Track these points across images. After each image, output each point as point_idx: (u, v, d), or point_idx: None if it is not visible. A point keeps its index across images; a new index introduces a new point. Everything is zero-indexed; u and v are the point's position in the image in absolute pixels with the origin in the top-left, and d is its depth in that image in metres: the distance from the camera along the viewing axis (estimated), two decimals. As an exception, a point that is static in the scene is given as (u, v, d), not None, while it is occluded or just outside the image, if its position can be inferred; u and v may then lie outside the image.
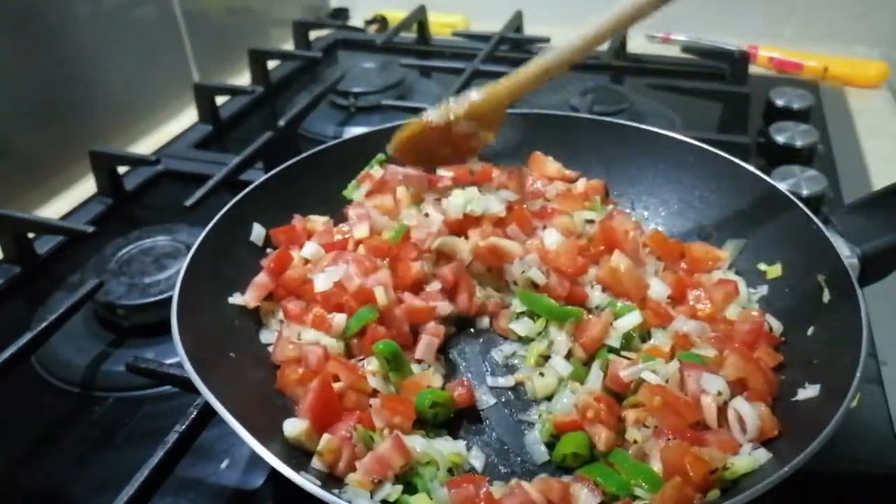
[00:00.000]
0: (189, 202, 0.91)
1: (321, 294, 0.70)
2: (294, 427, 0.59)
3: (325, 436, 0.59)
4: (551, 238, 0.77)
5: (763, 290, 0.75)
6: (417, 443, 0.58)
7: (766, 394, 0.62)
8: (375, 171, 0.91)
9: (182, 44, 1.35)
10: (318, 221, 0.84)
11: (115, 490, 0.57)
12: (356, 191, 0.89)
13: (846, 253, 0.68)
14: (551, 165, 0.93)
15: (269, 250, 0.80)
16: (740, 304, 0.73)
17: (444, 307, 0.72)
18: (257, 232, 0.80)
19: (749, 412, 0.58)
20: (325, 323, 0.69)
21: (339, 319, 0.69)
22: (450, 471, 0.59)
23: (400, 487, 0.56)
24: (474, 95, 0.79)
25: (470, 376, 0.70)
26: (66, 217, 1.04)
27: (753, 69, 1.40)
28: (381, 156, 0.93)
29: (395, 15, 1.66)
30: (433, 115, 0.80)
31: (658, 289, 0.74)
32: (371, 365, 0.65)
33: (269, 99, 1.39)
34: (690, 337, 0.67)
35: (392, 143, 0.83)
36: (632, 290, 0.73)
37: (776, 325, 0.70)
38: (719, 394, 0.59)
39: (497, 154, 0.95)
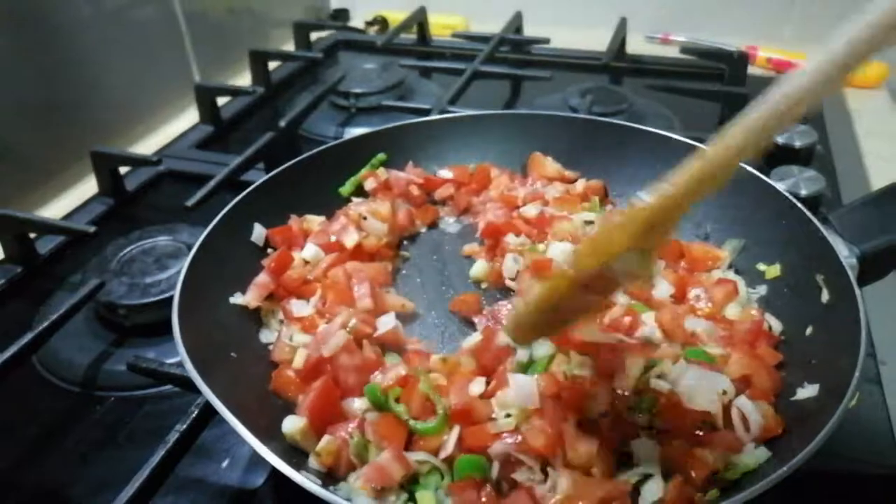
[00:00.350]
0: (190, 202, 0.91)
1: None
2: (292, 424, 0.59)
3: (326, 437, 0.59)
4: (556, 250, 0.76)
5: (762, 289, 0.75)
6: (417, 455, 0.58)
7: (769, 391, 0.62)
8: (381, 172, 0.92)
9: (183, 44, 1.36)
10: (315, 221, 0.84)
11: (116, 489, 0.57)
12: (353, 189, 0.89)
13: (845, 253, 0.68)
14: (550, 166, 0.93)
15: (269, 250, 0.80)
16: (740, 303, 0.73)
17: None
18: (258, 232, 0.80)
19: (752, 410, 0.58)
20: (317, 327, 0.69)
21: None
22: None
23: (405, 495, 0.56)
24: (644, 200, 0.48)
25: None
26: (67, 217, 1.04)
27: (752, 70, 1.40)
28: (381, 156, 0.93)
29: (396, 16, 1.66)
30: (579, 258, 0.50)
31: (661, 287, 0.74)
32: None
33: (270, 100, 1.39)
34: (699, 336, 0.67)
35: (514, 320, 0.59)
36: (634, 290, 0.73)
37: (775, 325, 0.70)
38: (724, 392, 0.59)
39: (497, 154, 0.96)
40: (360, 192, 0.91)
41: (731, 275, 0.77)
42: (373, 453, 0.58)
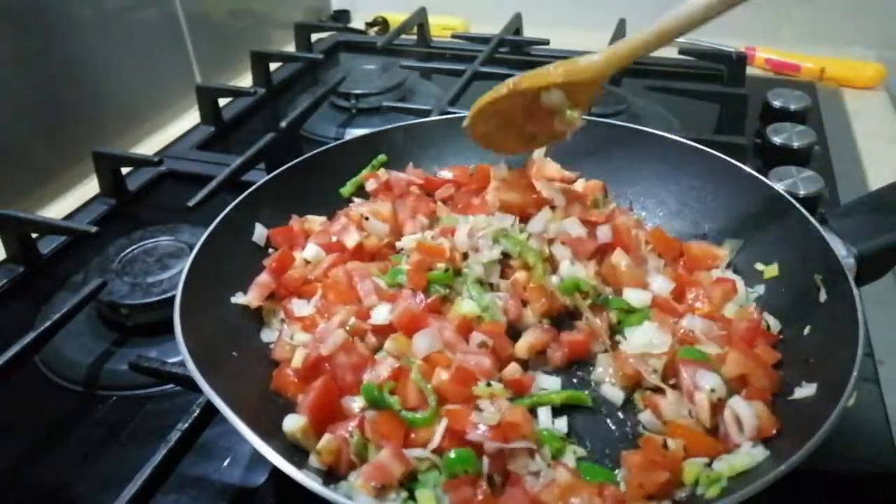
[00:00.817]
0: (191, 203, 0.92)
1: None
2: (293, 423, 0.60)
3: (326, 435, 0.59)
4: (567, 269, 0.74)
5: (760, 289, 0.75)
6: (416, 451, 0.58)
7: (767, 390, 0.62)
8: (381, 173, 0.92)
9: (185, 46, 1.36)
10: (316, 221, 0.84)
11: (119, 488, 0.57)
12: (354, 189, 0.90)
13: (843, 253, 0.68)
14: (550, 166, 0.93)
15: (270, 250, 0.80)
16: (738, 302, 0.73)
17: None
18: (259, 232, 0.80)
19: (746, 411, 0.59)
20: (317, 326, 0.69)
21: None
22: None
23: (405, 493, 0.56)
24: (571, 65, 0.69)
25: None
26: (69, 217, 1.05)
27: (751, 70, 1.41)
28: (382, 157, 0.94)
29: (396, 17, 1.66)
30: (519, 80, 0.70)
31: (661, 284, 0.74)
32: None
33: (271, 100, 1.40)
34: (696, 334, 0.68)
35: (471, 110, 0.76)
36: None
37: (773, 323, 0.70)
38: (713, 390, 0.60)
39: (496, 155, 0.96)
40: (360, 192, 0.92)
41: (729, 274, 0.78)
42: (372, 452, 0.59)
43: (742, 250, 0.80)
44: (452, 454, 0.56)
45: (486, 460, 0.56)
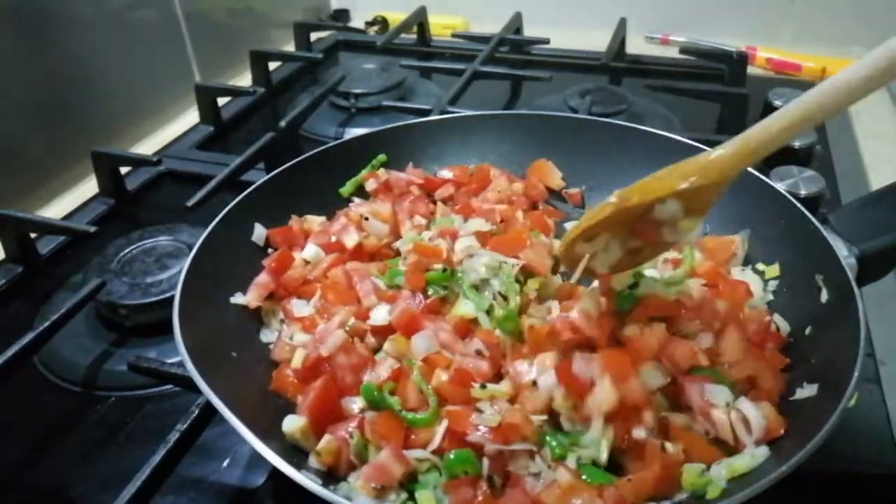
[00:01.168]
0: (191, 202, 0.91)
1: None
2: (292, 424, 0.60)
3: (326, 436, 0.59)
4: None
5: (772, 287, 0.74)
6: (416, 452, 0.58)
7: (773, 392, 0.61)
8: (381, 173, 0.92)
9: (184, 45, 1.36)
10: (315, 222, 0.84)
11: (117, 489, 0.57)
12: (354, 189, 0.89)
13: (844, 253, 0.68)
14: (553, 173, 0.93)
15: (270, 250, 0.80)
16: (752, 304, 0.72)
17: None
18: (258, 232, 0.80)
19: (754, 413, 0.58)
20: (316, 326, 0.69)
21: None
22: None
23: (405, 495, 0.56)
24: (694, 161, 0.56)
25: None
26: (68, 217, 1.05)
27: (752, 70, 1.40)
28: (381, 157, 0.93)
29: (396, 16, 1.66)
30: (628, 193, 0.58)
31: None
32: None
33: (271, 100, 1.40)
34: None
35: (568, 235, 0.63)
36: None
37: (783, 325, 0.69)
38: (728, 405, 0.59)
39: (496, 155, 0.96)
40: (360, 192, 0.91)
41: (748, 274, 0.76)
42: (372, 453, 0.58)
43: (744, 250, 0.80)
44: (452, 455, 0.56)
45: (486, 461, 0.56)
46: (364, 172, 0.91)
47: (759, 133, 0.56)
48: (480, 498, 0.54)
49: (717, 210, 0.82)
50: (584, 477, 0.55)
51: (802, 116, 0.54)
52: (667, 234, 0.59)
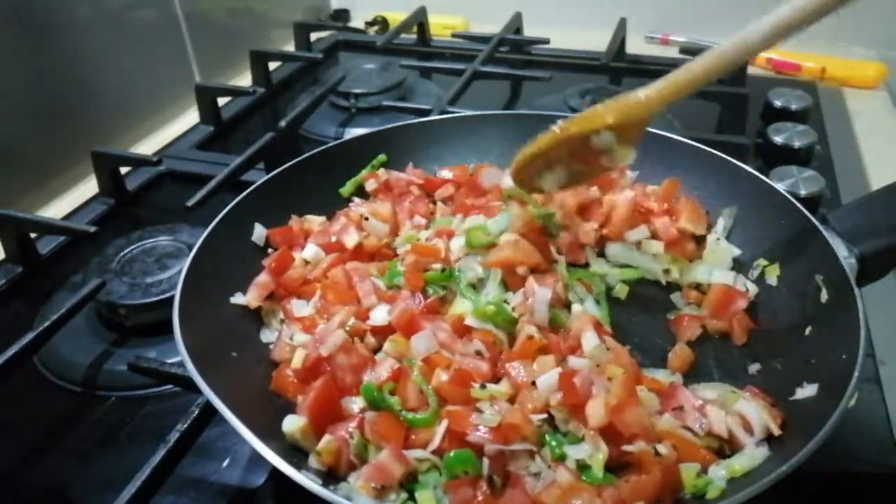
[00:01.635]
0: (190, 203, 0.91)
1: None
2: (292, 423, 0.59)
3: (326, 436, 0.59)
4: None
5: (754, 273, 0.77)
6: (416, 452, 0.58)
7: (742, 334, 0.70)
8: (381, 173, 0.92)
9: (184, 45, 1.36)
10: (315, 221, 0.84)
11: (117, 489, 0.57)
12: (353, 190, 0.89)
13: (844, 253, 0.68)
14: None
15: (270, 250, 0.80)
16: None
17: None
18: (258, 232, 0.80)
19: (753, 412, 0.59)
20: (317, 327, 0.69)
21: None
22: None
23: (405, 495, 0.56)
24: (624, 99, 0.66)
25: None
26: (68, 217, 1.05)
27: (752, 70, 1.40)
28: (381, 157, 0.93)
29: (396, 16, 1.66)
30: (568, 124, 0.68)
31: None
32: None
33: (271, 100, 1.40)
34: None
35: (517, 158, 0.73)
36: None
37: (752, 288, 0.75)
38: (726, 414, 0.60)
39: (497, 155, 0.96)
40: (360, 192, 0.91)
41: (731, 276, 0.77)
42: (372, 453, 0.58)
43: (743, 249, 0.80)
44: (452, 455, 0.56)
45: (486, 461, 0.56)
46: (364, 172, 0.92)
47: (683, 74, 0.66)
48: (480, 498, 0.54)
49: (717, 209, 0.84)
50: (583, 477, 0.55)
51: (718, 61, 0.65)
52: (605, 160, 0.69)
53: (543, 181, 0.74)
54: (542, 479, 0.55)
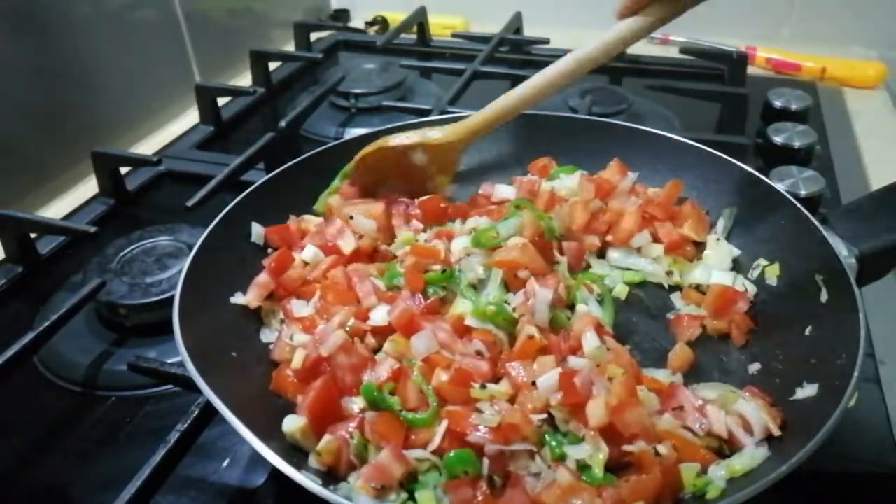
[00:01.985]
0: (190, 203, 0.91)
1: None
2: (292, 423, 0.59)
3: (326, 436, 0.59)
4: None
5: (753, 273, 0.77)
6: (416, 452, 0.58)
7: (742, 335, 0.71)
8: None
9: (184, 45, 1.36)
10: (312, 222, 0.84)
11: (117, 488, 0.57)
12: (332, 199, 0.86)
13: (844, 253, 0.68)
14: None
15: (270, 250, 0.80)
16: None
17: None
18: (257, 231, 0.80)
19: (753, 413, 0.59)
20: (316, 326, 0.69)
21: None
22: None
23: (405, 495, 0.56)
24: (432, 132, 0.79)
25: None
26: (68, 217, 1.05)
27: (752, 70, 1.40)
28: (349, 165, 0.87)
29: (396, 16, 1.66)
30: (396, 137, 0.80)
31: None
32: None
33: (271, 100, 1.40)
34: None
35: (357, 156, 0.83)
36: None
37: (751, 288, 0.74)
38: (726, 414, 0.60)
39: (496, 154, 0.96)
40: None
41: (730, 277, 0.77)
42: (372, 453, 0.58)
43: (743, 250, 0.80)
44: (452, 455, 0.56)
45: (486, 462, 0.56)
46: (336, 183, 0.87)
47: (497, 106, 0.76)
48: (480, 498, 0.54)
49: (718, 210, 0.84)
50: (584, 477, 0.55)
51: (534, 92, 0.74)
52: (429, 185, 0.82)
53: (383, 189, 0.83)
54: (542, 479, 0.55)
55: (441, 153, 0.80)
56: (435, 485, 0.56)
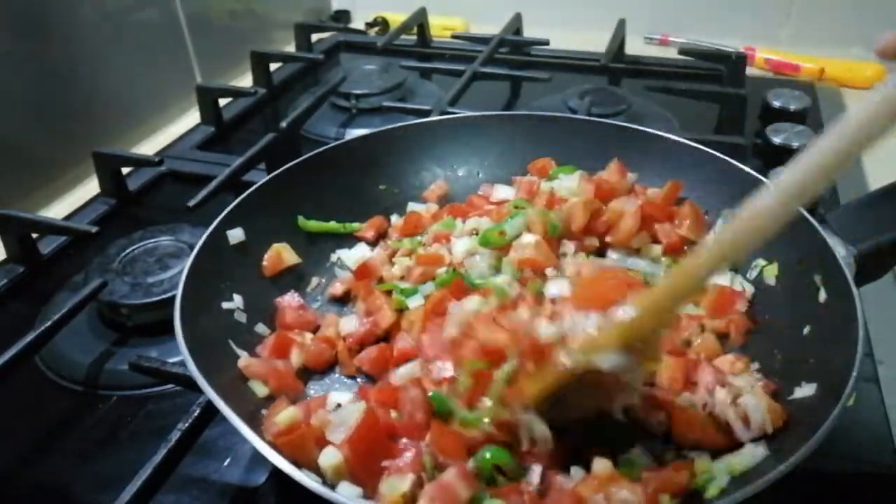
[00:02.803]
0: (192, 203, 0.92)
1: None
2: (327, 459, 0.56)
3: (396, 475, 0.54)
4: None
5: (752, 273, 0.77)
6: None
7: (742, 330, 0.70)
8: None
9: (185, 46, 1.36)
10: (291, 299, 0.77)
11: (119, 488, 0.57)
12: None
13: (842, 253, 0.68)
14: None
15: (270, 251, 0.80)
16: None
17: None
18: (236, 236, 0.77)
19: (754, 409, 0.59)
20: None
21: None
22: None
23: None
24: (622, 313, 0.51)
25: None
26: (69, 217, 1.05)
27: (750, 71, 1.41)
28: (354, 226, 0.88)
29: (396, 17, 1.66)
30: (568, 359, 0.53)
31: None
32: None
33: (272, 100, 1.40)
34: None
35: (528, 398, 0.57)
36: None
37: (749, 288, 0.75)
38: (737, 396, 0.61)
39: (496, 155, 0.96)
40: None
41: (728, 276, 0.77)
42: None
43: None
44: (488, 453, 0.56)
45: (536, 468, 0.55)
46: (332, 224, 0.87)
47: (671, 281, 0.53)
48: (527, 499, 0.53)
49: (717, 209, 0.84)
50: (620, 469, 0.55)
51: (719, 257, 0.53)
52: (628, 377, 0.54)
53: (553, 414, 0.57)
54: (572, 475, 0.56)
55: (646, 342, 0.53)
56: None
